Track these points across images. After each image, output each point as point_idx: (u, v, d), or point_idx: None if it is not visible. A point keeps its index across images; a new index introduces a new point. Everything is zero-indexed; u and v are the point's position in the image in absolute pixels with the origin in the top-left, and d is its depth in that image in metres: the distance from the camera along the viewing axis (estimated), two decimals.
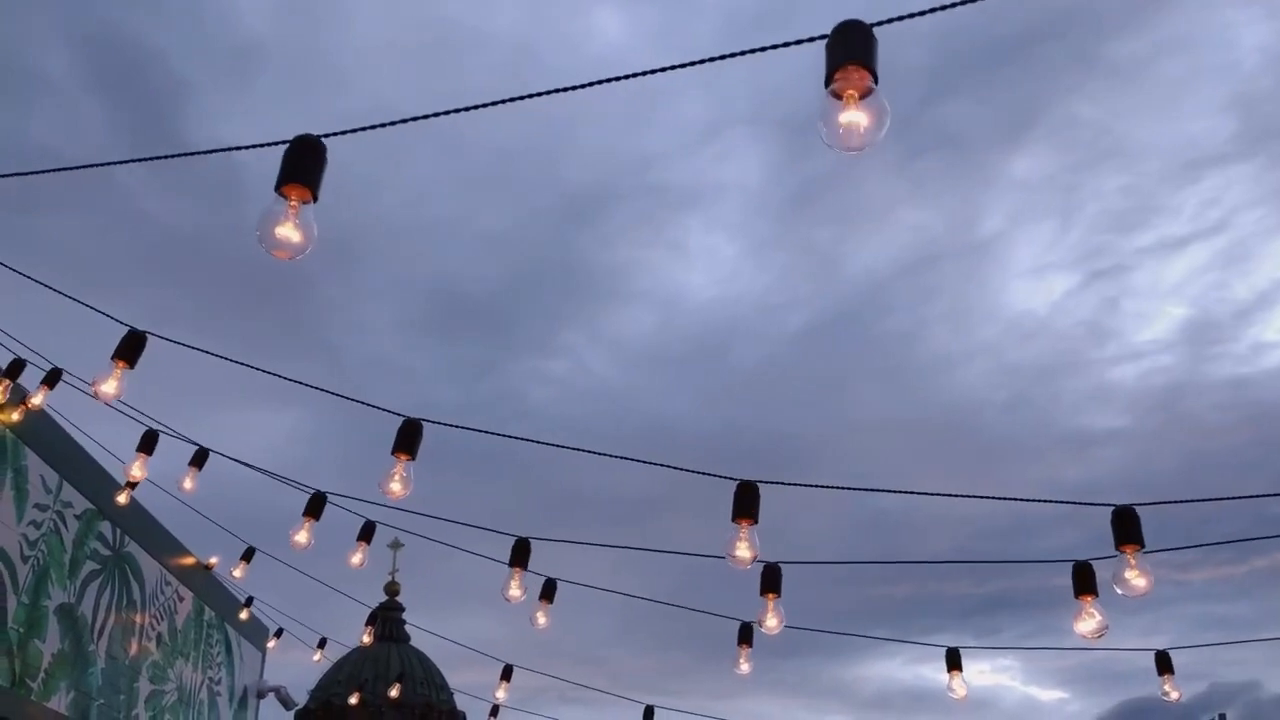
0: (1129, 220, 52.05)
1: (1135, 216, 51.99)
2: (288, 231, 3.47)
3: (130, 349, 5.88)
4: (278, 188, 3.43)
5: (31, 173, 4.22)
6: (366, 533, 8.10)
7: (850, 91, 2.88)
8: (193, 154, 3.90)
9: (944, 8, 3.19)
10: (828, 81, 2.87)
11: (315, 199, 3.46)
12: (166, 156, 3.94)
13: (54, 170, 4.14)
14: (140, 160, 3.93)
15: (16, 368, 7.66)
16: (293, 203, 3.45)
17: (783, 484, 5.56)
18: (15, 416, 8.47)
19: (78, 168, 4.00)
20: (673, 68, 3.26)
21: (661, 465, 6.06)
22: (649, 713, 10.58)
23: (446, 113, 3.39)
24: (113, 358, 5.89)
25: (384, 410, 5.75)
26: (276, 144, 3.52)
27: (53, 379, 7.56)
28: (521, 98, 3.33)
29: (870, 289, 51.89)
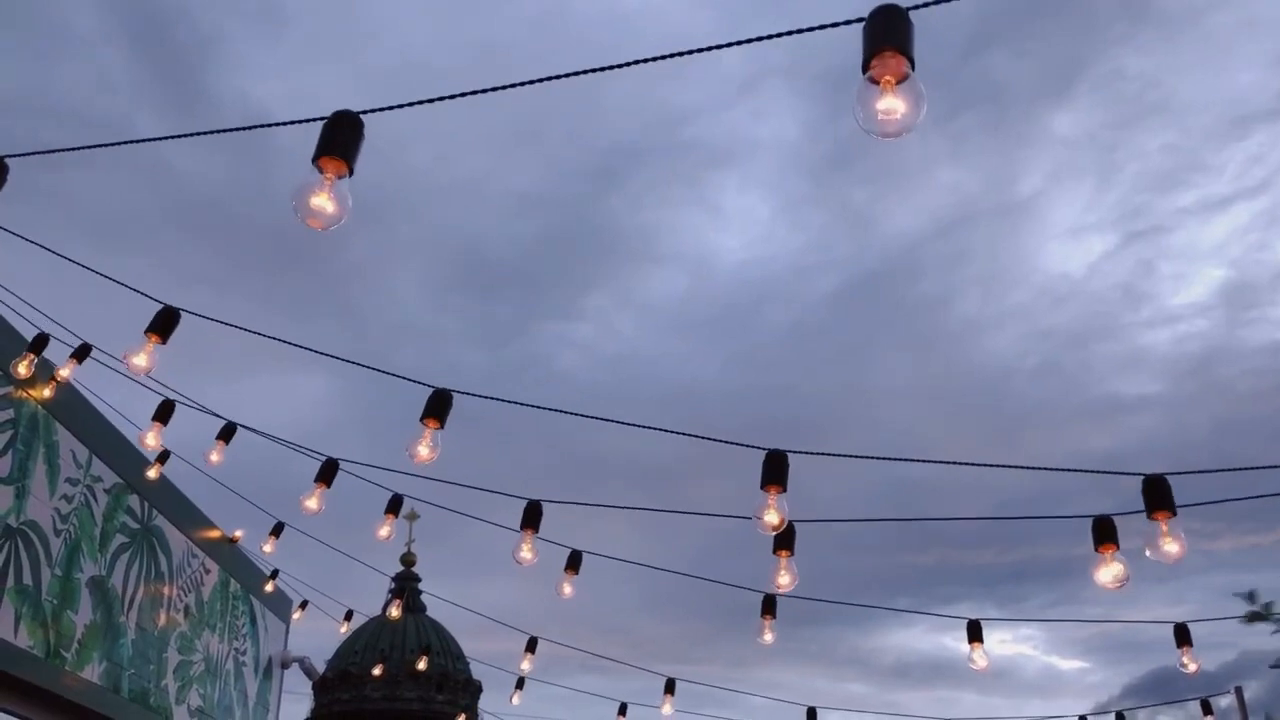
0: (1170, 179, 51.12)
1: (1177, 175, 51.12)
2: (322, 202, 3.56)
3: (164, 324, 5.96)
4: (315, 160, 3.51)
5: (92, 146, 4.27)
6: (394, 506, 8.20)
7: (888, 77, 2.90)
8: (234, 129, 3.95)
9: None
10: (865, 66, 2.89)
11: (351, 173, 3.55)
12: (212, 132, 3.99)
13: (113, 143, 4.18)
14: (183, 136, 3.98)
15: (41, 341, 7.74)
16: (328, 175, 3.54)
17: (811, 453, 5.63)
18: (47, 393, 8.57)
19: (124, 143, 4.05)
20: (718, 47, 3.28)
21: (689, 435, 6.13)
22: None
23: (480, 91, 3.42)
24: (146, 331, 5.97)
25: (411, 380, 5.83)
26: (315, 120, 3.58)
27: (81, 354, 7.64)
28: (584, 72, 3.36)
29: (904, 251, 51.39)
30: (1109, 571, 5.48)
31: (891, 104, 2.89)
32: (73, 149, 4.53)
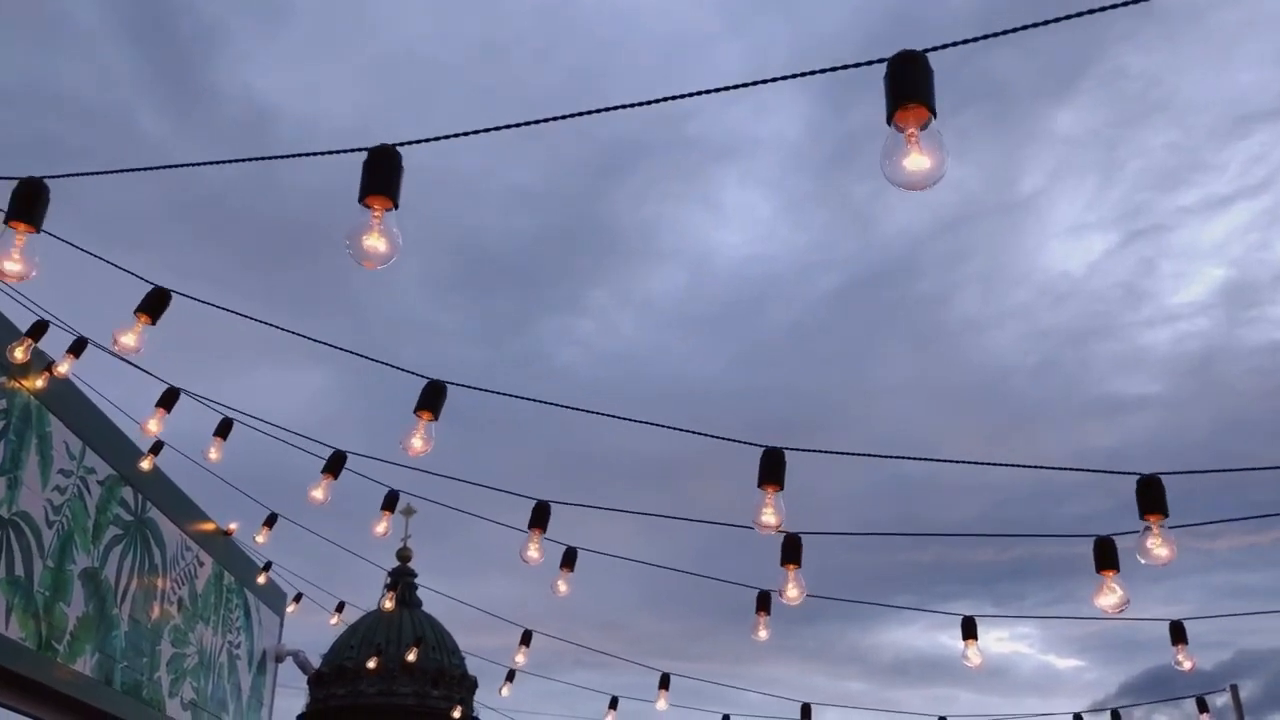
0: (1172, 178, 51.05)
1: (1179, 174, 51.05)
2: (374, 242, 3.66)
3: (154, 305, 5.86)
4: (361, 199, 3.59)
5: (125, 171, 4.21)
6: (390, 502, 8.17)
7: (911, 131, 3.04)
8: (274, 157, 3.90)
9: None
10: (890, 117, 3.04)
11: (396, 206, 3.62)
12: (253, 159, 3.94)
13: (150, 169, 4.12)
14: (228, 162, 3.94)
15: (39, 329, 7.68)
16: (376, 212, 3.63)
17: (808, 450, 5.59)
18: (40, 384, 8.52)
19: (168, 166, 3.99)
20: (756, 83, 3.24)
21: (685, 430, 6.10)
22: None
23: (509, 125, 3.37)
24: (136, 311, 5.88)
25: (407, 371, 5.79)
26: (355, 151, 3.62)
27: (78, 348, 7.58)
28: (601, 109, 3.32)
29: (905, 249, 51.32)
30: (1110, 597, 5.46)
31: (918, 162, 3.04)
32: (112, 171, 4.48)
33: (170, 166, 4.05)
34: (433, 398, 5.75)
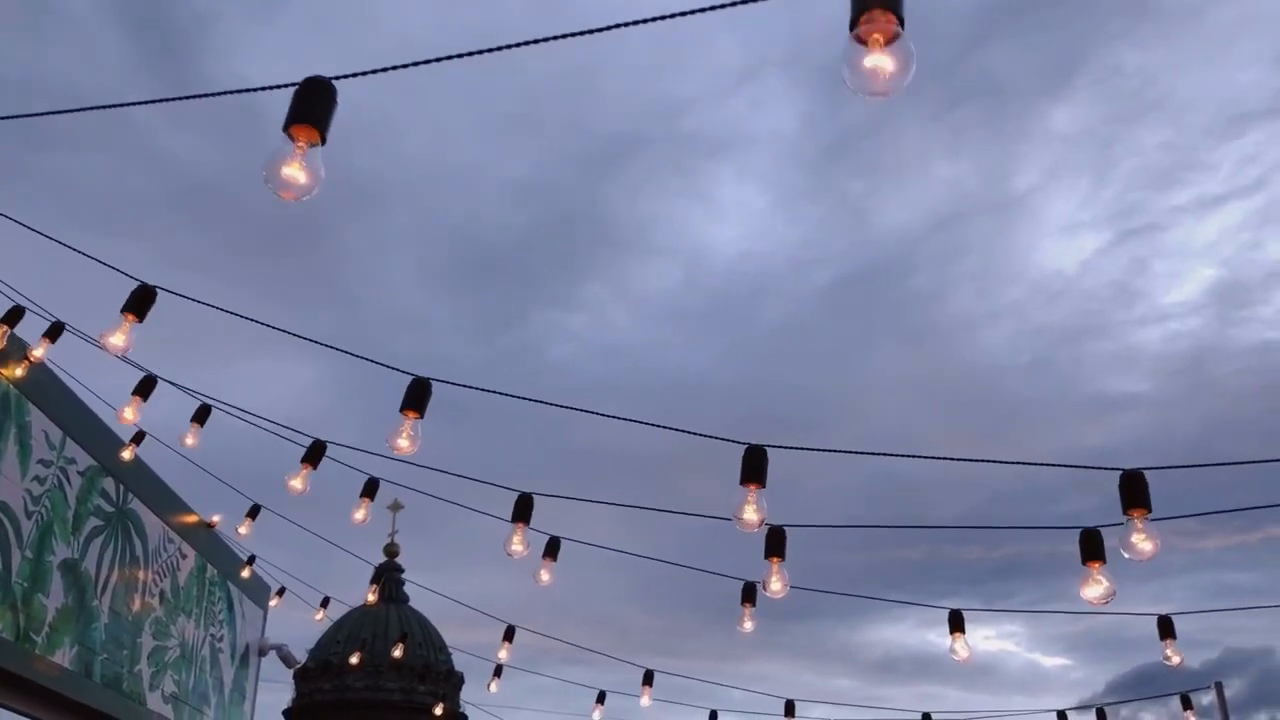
0: (1166, 177, 51.13)
1: (1172, 173, 51.10)
2: (294, 172, 3.46)
3: (140, 303, 5.84)
4: (285, 128, 3.42)
5: (53, 112, 4.15)
6: (370, 489, 8.08)
7: (876, 36, 2.83)
8: (206, 95, 3.83)
9: None
10: (852, 25, 2.82)
11: (323, 141, 3.45)
12: (181, 98, 3.87)
13: (70, 110, 4.06)
14: (154, 101, 3.86)
15: (15, 315, 7.59)
16: (300, 144, 3.44)
17: (791, 448, 5.54)
18: (19, 372, 8.42)
19: (92, 109, 3.93)
20: (701, 10, 3.19)
21: (666, 428, 6.04)
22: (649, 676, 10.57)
23: (467, 54, 3.32)
24: (122, 311, 5.86)
25: (394, 369, 5.72)
26: (287, 86, 3.47)
27: (55, 332, 7.50)
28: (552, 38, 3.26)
29: (899, 246, 51.40)
30: (1096, 589, 5.42)
31: (879, 61, 2.82)
32: (43, 114, 4.40)
33: (97, 108, 3.94)
34: (418, 396, 5.68)
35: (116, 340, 6.01)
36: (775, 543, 6.08)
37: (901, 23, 2.79)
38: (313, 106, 3.40)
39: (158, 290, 5.90)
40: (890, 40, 2.82)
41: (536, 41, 3.36)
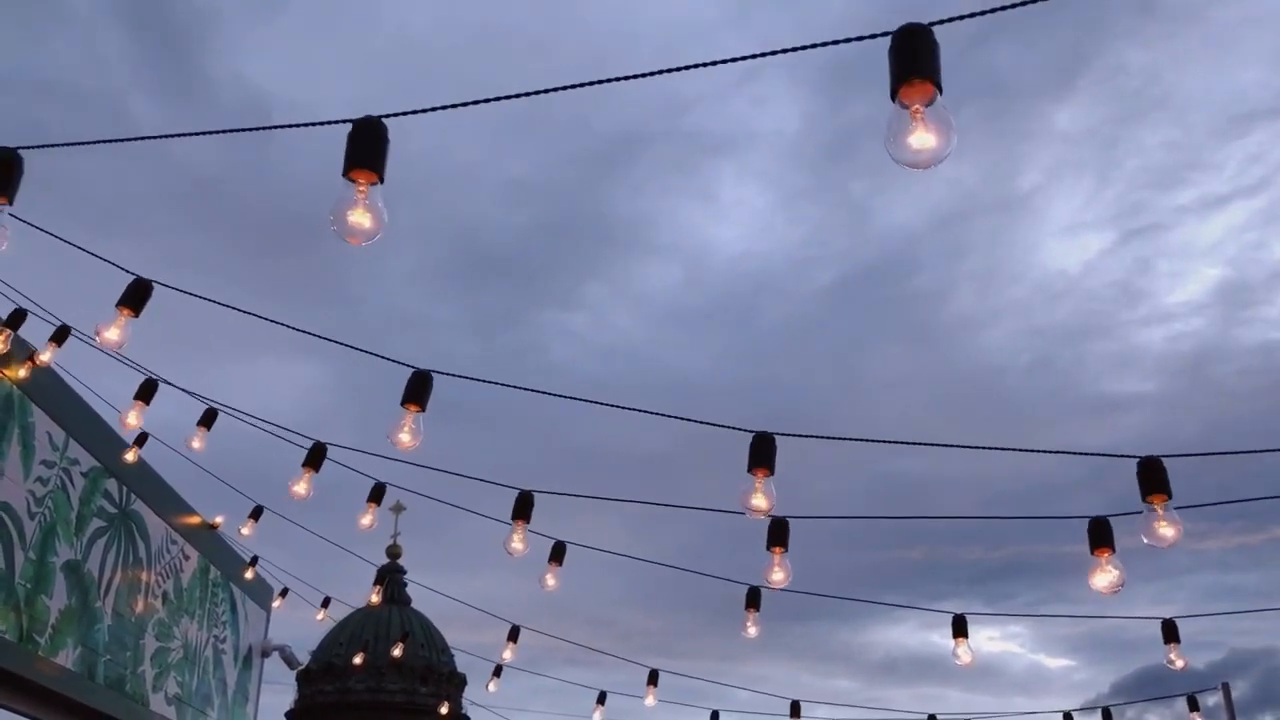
0: (1170, 176, 50.96)
1: (1176, 173, 50.96)
2: (359, 218, 3.56)
3: (136, 297, 5.76)
4: (345, 173, 3.48)
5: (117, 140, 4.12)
6: (376, 494, 8.06)
7: (916, 107, 2.92)
8: (258, 128, 3.81)
9: None
10: (893, 94, 2.91)
11: (381, 181, 3.52)
12: (230, 130, 3.85)
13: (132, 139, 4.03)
14: (199, 134, 3.84)
15: (18, 318, 7.57)
16: (361, 187, 3.52)
17: (797, 435, 5.52)
18: (22, 373, 8.41)
19: (138, 139, 3.90)
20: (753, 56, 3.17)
21: (673, 417, 6.02)
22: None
23: (521, 95, 3.30)
24: (118, 305, 5.78)
25: (393, 361, 5.69)
26: (338, 122, 3.51)
27: (60, 336, 7.46)
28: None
29: (902, 245, 51.32)
30: (1105, 577, 5.38)
31: (923, 139, 2.91)
32: (89, 142, 4.37)
33: (149, 138, 3.94)
34: (419, 389, 5.63)
35: (111, 335, 5.91)
36: (778, 533, 6.05)
37: (940, 89, 2.88)
38: (370, 149, 3.49)
39: (154, 284, 5.82)
40: (928, 104, 2.91)
41: (594, 83, 3.34)
